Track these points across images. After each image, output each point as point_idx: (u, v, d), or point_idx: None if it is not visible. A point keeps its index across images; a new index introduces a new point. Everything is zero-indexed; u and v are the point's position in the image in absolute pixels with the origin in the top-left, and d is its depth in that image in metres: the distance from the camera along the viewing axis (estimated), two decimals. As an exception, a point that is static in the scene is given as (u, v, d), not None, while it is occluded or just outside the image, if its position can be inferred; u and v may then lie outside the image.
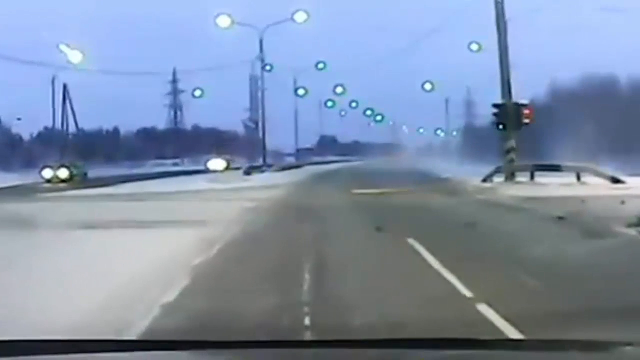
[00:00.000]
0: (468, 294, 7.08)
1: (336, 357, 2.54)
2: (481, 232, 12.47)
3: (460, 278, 7.70)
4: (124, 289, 7.35)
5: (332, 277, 8.27)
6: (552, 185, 24.35)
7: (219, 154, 51.81)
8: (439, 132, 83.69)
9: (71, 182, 33.72)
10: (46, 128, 59.96)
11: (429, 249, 9.86)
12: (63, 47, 42.96)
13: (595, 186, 23.92)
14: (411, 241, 10.81)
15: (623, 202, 16.60)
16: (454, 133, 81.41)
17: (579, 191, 21.48)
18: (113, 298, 6.93)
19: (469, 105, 78.26)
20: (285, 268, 8.88)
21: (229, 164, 49.63)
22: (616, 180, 25.70)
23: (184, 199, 21.98)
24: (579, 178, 26.70)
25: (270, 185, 28.22)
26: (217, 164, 49.17)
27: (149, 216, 15.45)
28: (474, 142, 73.41)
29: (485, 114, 68.12)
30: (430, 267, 8.71)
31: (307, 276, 8.20)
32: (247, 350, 2.62)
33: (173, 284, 7.67)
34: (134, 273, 8.24)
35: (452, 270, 8.11)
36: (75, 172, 36.31)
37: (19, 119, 57.46)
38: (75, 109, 60.79)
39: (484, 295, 6.80)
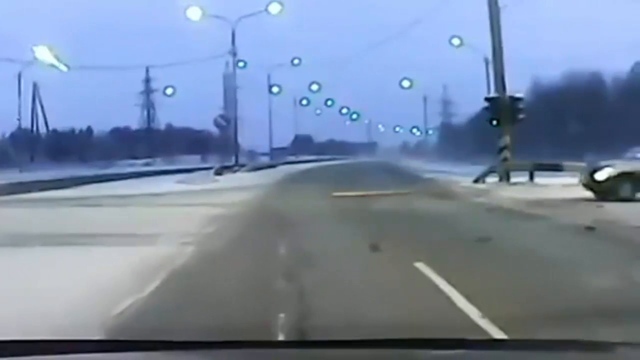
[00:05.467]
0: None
1: (335, 357, 2.47)
2: (505, 252, 9.71)
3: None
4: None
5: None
6: (554, 187, 22.36)
7: None
8: (414, 130, 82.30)
9: None
10: (19, 128, 56.98)
11: (450, 282, 7.03)
12: (29, 44, 40.52)
13: (600, 188, 21.76)
14: (421, 267, 8.04)
15: None
16: (430, 132, 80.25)
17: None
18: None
19: (446, 103, 77.27)
20: (249, 320, 5.89)
21: None
22: (622, 181, 23.62)
23: (139, 203, 19.11)
24: (581, 179, 24.56)
25: (241, 187, 25.78)
26: None
27: (84, 228, 12.62)
28: (451, 140, 72.24)
29: (462, 112, 67.16)
30: (467, 318, 5.75)
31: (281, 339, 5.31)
32: (240, 351, 2.56)
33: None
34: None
35: (501, 326, 5.30)
36: None
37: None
38: (47, 107, 58.13)
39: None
